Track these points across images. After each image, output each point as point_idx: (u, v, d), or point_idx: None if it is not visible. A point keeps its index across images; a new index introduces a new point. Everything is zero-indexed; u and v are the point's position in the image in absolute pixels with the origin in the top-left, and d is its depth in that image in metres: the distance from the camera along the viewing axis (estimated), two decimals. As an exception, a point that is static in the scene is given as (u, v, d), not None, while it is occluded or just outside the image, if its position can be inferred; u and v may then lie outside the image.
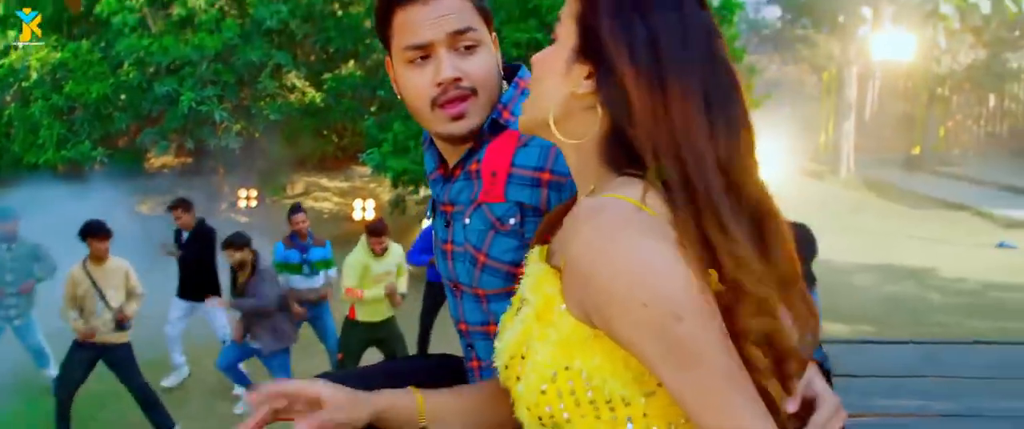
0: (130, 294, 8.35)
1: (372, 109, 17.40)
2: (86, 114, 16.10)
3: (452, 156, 1.87)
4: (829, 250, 16.46)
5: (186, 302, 9.86)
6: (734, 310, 1.22)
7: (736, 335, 1.21)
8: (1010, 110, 29.61)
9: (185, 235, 9.81)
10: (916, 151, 27.91)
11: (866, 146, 27.63)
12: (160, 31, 15.68)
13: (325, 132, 19.78)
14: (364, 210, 17.17)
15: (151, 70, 15.69)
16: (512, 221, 1.78)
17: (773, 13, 31.42)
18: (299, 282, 9.12)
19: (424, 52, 1.76)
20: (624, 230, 1.19)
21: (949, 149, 28.53)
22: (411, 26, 1.77)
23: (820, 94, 29.43)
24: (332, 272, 9.41)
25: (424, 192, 15.44)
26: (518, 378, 1.32)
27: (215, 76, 15.68)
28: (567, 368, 1.27)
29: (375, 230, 8.92)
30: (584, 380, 1.26)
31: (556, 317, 1.28)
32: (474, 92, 1.76)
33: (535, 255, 1.43)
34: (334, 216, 19.26)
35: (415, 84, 1.79)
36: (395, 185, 16.13)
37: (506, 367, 1.36)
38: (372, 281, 8.58)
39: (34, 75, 15.74)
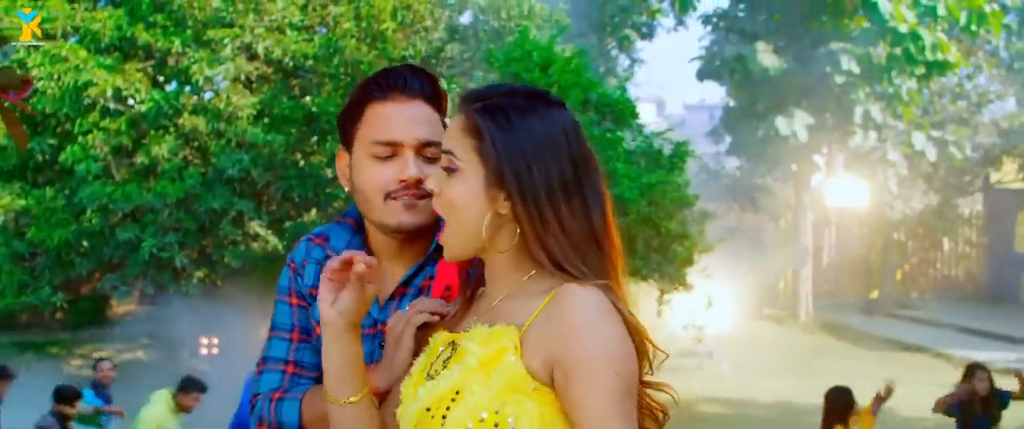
0: None
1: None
2: (47, 260, 16.16)
3: (391, 275, 1.96)
4: (790, 392, 16.59)
5: None
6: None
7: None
8: (965, 253, 30.22)
9: None
10: (874, 295, 28.29)
11: (824, 291, 28.03)
12: (123, 179, 15.90)
13: (287, 279, 19.88)
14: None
15: (114, 217, 15.85)
16: None
17: (732, 163, 32.22)
18: None
19: (392, 150, 1.89)
20: (607, 315, 1.53)
21: (906, 293, 28.95)
22: (384, 122, 1.90)
23: (778, 241, 29.94)
24: None
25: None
26: (443, 418, 1.52)
27: (177, 223, 15.85)
28: (497, 412, 1.51)
29: (187, 385, 8.78)
30: (509, 424, 1.49)
31: (503, 366, 1.52)
32: (428, 196, 1.83)
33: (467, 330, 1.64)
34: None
35: (376, 177, 1.90)
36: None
37: (428, 410, 1.55)
38: None
39: (-4, 221, 15.88)
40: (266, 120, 16.45)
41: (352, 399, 1.66)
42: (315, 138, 17.05)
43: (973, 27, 22.60)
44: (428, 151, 1.90)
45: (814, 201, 26.55)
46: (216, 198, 15.81)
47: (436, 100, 1.95)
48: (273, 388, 2.03)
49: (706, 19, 25.75)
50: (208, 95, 16.92)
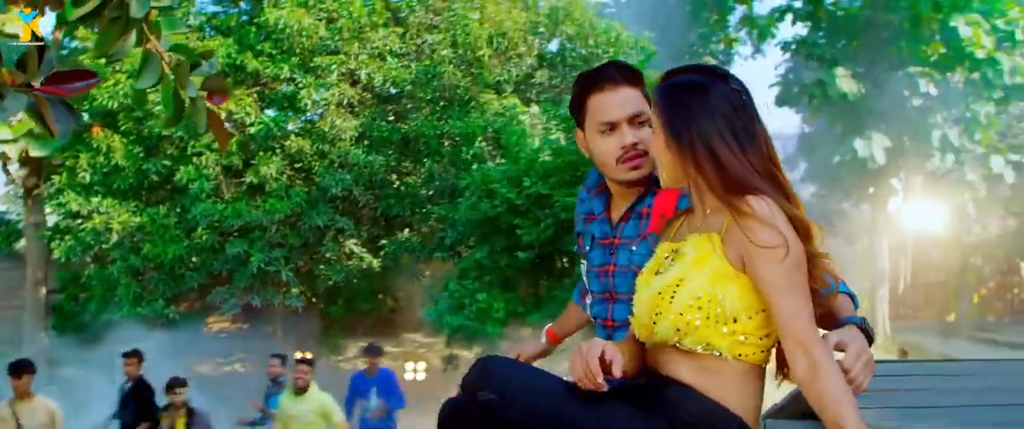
0: None
1: (426, 273, 18.44)
2: (161, 274, 17.11)
3: (622, 204, 2.70)
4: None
5: None
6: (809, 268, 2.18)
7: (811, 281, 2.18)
8: (1042, 278, 30.17)
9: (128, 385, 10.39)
10: (951, 317, 28.40)
11: (901, 314, 28.18)
12: (232, 197, 16.83)
13: (380, 296, 20.72)
14: (416, 371, 17.93)
15: (223, 233, 16.77)
16: None
17: (808, 190, 32.47)
18: None
19: (612, 127, 2.61)
20: (775, 215, 2.12)
21: (983, 316, 28.99)
22: (603, 108, 2.61)
23: (855, 265, 30.12)
24: None
25: (477, 350, 16.25)
26: (671, 299, 2.17)
27: (282, 239, 16.72)
28: (709, 292, 2.15)
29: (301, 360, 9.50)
30: (718, 302, 2.15)
31: (711, 261, 2.18)
32: (645, 153, 2.59)
33: (689, 238, 2.29)
34: (386, 377, 19.88)
35: (605, 148, 2.61)
36: (449, 343, 16.98)
37: (659, 293, 2.21)
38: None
39: (114, 237, 16.84)
40: (366, 142, 17.29)
41: None
42: (411, 161, 17.83)
43: (1051, 52, 22.85)
44: (637, 120, 2.59)
45: (891, 224, 26.79)
46: (320, 215, 16.67)
47: (635, 81, 2.64)
48: None
49: (785, 46, 26.23)
50: (309, 118, 17.86)
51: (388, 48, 17.23)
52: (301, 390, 9.20)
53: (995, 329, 27.60)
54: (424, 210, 17.58)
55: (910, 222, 26.45)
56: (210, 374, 20.08)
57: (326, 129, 16.83)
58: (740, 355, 2.17)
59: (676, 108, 2.23)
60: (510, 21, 17.44)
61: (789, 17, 26.09)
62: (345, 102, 17.10)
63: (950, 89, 22.67)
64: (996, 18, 22.46)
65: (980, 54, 21.97)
